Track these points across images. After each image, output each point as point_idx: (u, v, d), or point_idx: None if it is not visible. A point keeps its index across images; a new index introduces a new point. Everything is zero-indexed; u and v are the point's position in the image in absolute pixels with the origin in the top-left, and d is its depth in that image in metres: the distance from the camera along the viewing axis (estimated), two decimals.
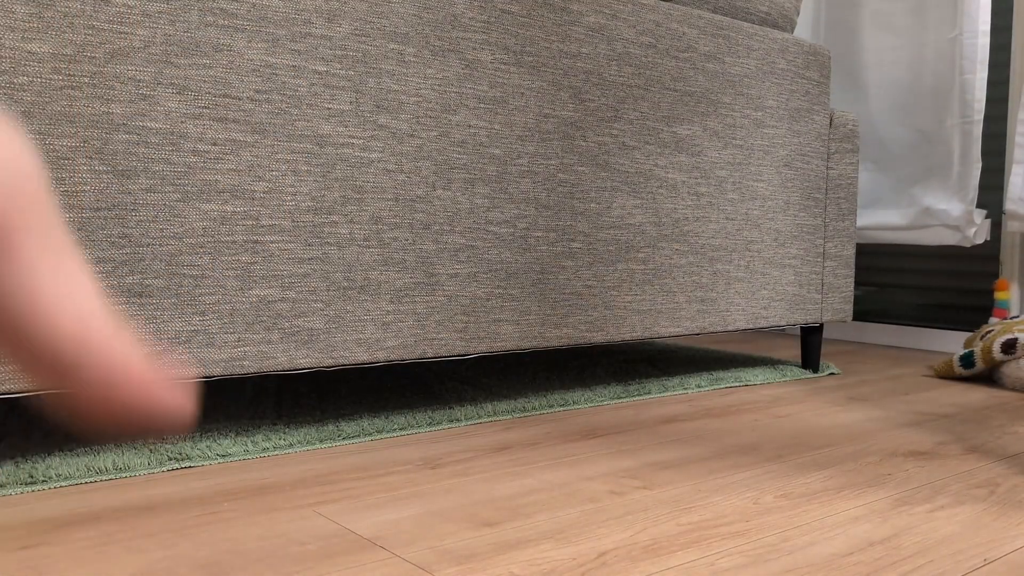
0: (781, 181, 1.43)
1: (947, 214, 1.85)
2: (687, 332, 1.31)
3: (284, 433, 0.98)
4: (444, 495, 0.79)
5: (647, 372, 1.48)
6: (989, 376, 1.51)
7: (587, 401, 1.22)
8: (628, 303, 1.22)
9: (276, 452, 0.92)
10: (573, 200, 1.15)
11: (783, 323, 1.46)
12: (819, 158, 1.50)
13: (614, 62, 1.18)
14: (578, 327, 1.17)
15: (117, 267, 0.81)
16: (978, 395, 1.38)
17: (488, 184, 1.06)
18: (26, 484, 0.79)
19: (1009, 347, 1.44)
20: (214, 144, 0.86)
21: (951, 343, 1.94)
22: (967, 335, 1.89)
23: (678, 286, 1.29)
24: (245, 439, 0.95)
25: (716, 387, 1.38)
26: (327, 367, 0.95)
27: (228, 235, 0.87)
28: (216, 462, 0.88)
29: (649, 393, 1.30)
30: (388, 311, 0.98)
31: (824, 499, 0.80)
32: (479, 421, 1.10)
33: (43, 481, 0.79)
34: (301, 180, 0.91)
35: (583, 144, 1.16)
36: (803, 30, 2.13)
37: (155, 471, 0.85)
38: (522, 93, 1.09)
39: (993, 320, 1.74)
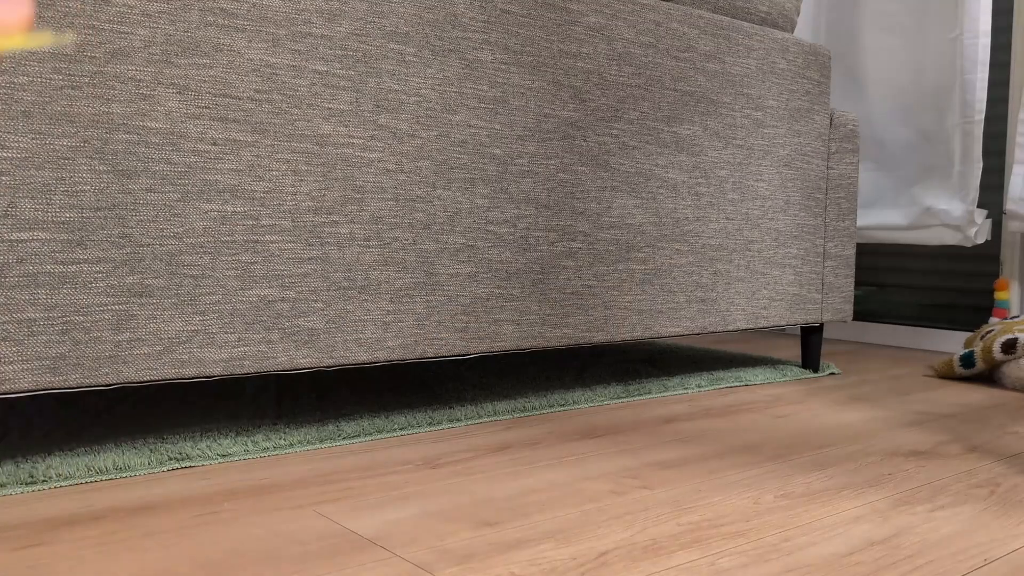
0: (781, 181, 1.43)
1: (948, 214, 1.85)
2: (687, 332, 1.31)
3: (284, 433, 0.98)
4: (444, 495, 0.79)
5: (647, 372, 1.47)
6: (989, 376, 1.51)
7: (587, 401, 1.22)
8: (628, 303, 1.22)
9: (276, 452, 0.92)
10: (573, 200, 1.15)
11: (783, 323, 1.46)
12: (819, 158, 1.50)
13: (614, 62, 1.18)
14: (578, 327, 1.17)
15: (117, 267, 0.81)
16: (978, 395, 1.38)
17: (488, 184, 1.06)
18: (26, 484, 0.79)
19: (1009, 347, 1.44)
20: (214, 144, 0.86)
21: (951, 343, 1.94)
22: (967, 335, 1.89)
23: (678, 286, 1.29)
24: (245, 439, 0.95)
25: (716, 387, 1.38)
26: (327, 367, 0.95)
27: (228, 235, 0.87)
28: (216, 462, 0.88)
29: (649, 393, 1.30)
30: (388, 311, 0.98)
31: (824, 499, 0.80)
32: (479, 421, 1.10)
33: (43, 481, 0.79)
34: (301, 180, 0.91)
35: (583, 144, 1.16)
36: (803, 30, 2.13)
37: (155, 471, 0.85)
38: (522, 93, 1.09)
39: (993, 320, 1.74)
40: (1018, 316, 1.66)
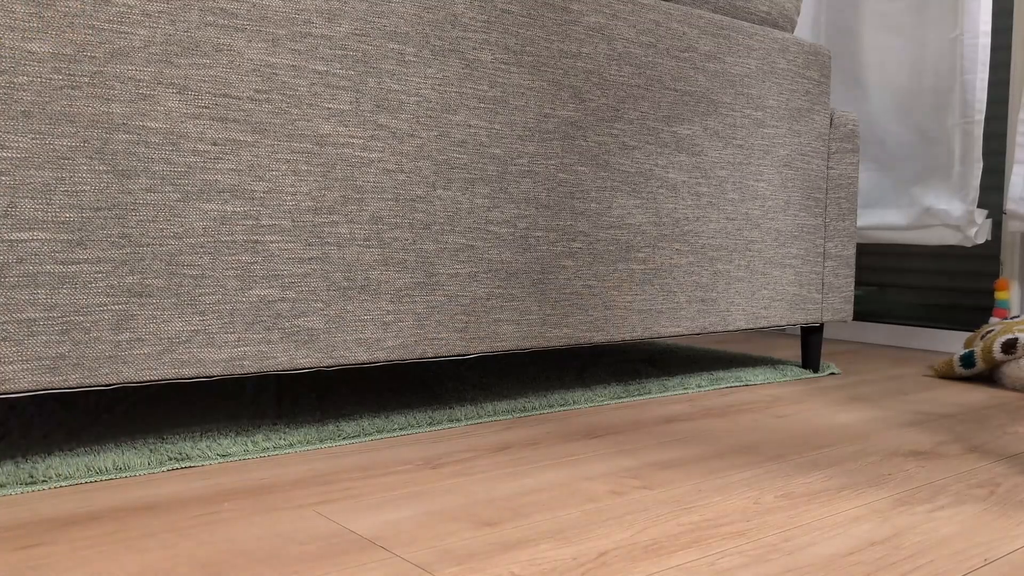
0: (781, 181, 1.43)
1: (948, 214, 1.85)
2: (687, 332, 1.31)
3: (284, 433, 0.98)
4: (444, 495, 0.79)
5: (647, 372, 1.47)
6: (989, 376, 1.51)
7: (587, 401, 1.22)
8: (628, 303, 1.22)
9: (276, 452, 0.92)
10: (573, 200, 1.15)
11: (783, 323, 1.46)
12: (819, 158, 1.50)
13: (614, 62, 1.18)
14: (578, 327, 1.17)
15: (117, 267, 0.81)
16: (978, 395, 1.38)
17: (488, 184, 1.06)
18: (26, 484, 0.79)
19: (1009, 347, 1.44)
20: (214, 144, 0.86)
21: (951, 343, 1.94)
22: (967, 335, 1.89)
23: (678, 286, 1.29)
24: (245, 439, 0.95)
25: (716, 387, 1.38)
26: (327, 367, 0.95)
27: (228, 235, 0.87)
28: (216, 462, 0.88)
29: (649, 393, 1.30)
30: (388, 311, 0.98)
31: (825, 499, 0.80)
32: (479, 421, 1.10)
33: (43, 481, 0.79)
34: (301, 180, 0.91)
35: (583, 144, 1.16)
36: (803, 30, 2.13)
37: (155, 471, 0.85)
38: (522, 93, 1.09)
39: (993, 320, 1.74)
40: (1018, 316, 1.66)
